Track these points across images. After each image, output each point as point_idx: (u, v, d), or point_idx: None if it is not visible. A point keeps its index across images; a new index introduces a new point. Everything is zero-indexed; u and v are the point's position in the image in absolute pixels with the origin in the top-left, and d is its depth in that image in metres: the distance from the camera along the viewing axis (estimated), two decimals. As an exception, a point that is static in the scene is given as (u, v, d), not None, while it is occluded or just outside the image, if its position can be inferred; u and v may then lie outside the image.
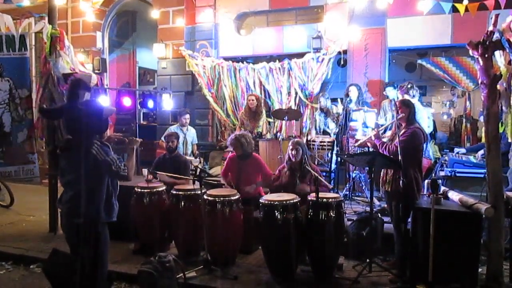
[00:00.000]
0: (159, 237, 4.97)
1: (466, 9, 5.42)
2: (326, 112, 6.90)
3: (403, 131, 4.23)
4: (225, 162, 5.50)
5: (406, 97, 5.96)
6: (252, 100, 7.09)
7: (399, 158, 4.01)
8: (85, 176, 2.99)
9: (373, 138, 4.56)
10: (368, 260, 4.22)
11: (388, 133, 4.86)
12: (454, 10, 6.00)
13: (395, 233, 4.38)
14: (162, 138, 7.31)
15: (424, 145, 4.49)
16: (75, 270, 3.11)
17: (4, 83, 5.52)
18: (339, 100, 7.18)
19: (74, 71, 5.75)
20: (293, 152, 4.78)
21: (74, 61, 5.93)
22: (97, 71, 8.70)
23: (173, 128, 7.27)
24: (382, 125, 5.61)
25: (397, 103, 4.36)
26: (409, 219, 4.28)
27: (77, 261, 3.11)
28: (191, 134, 7.44)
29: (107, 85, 8.97)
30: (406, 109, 4.27)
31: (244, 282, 4.19)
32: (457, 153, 5.84)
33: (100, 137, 3.21)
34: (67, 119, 3.17)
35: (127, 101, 7.21)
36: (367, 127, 6.64)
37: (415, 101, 5.86)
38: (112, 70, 10.19)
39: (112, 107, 5.27)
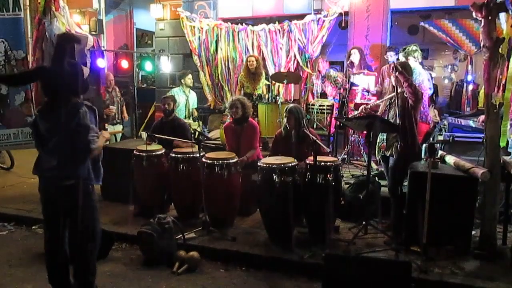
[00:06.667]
0: (159, 200, 5.03)
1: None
2: (324, 76, 6.82)
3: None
4: (224, 135, 5.46)
5: (411, 59, 5.81)
6: (252, 61, 6.99)
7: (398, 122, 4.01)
8: (72, 136, 2.89)
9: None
10: (364, 223, 4.30)
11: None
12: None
13: (391, 197, 4.45)
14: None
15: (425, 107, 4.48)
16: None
17: (-1, 44, 5.43)
18: (344, 67, 7.08)
19: (70, 32, 5.64)
20: (286, 119, 4.76)
21: (69, 22, 5.82)
22: (93, 33, 8.52)
23: (175, 91, 7.20)
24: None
25: (393, 66, 4.23)
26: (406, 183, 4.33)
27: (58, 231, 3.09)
28: (193, 97, 7.40)
29: (104, 47, 8.81)
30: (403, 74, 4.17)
31: (241, 243, 4.28)
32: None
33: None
34: (46, 80, 2.99)
35: (124, 64, 7.13)
36: (367, 92, 6.58)
37: (417, 65, 5.77)
38: (109, 32, 9.94)
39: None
